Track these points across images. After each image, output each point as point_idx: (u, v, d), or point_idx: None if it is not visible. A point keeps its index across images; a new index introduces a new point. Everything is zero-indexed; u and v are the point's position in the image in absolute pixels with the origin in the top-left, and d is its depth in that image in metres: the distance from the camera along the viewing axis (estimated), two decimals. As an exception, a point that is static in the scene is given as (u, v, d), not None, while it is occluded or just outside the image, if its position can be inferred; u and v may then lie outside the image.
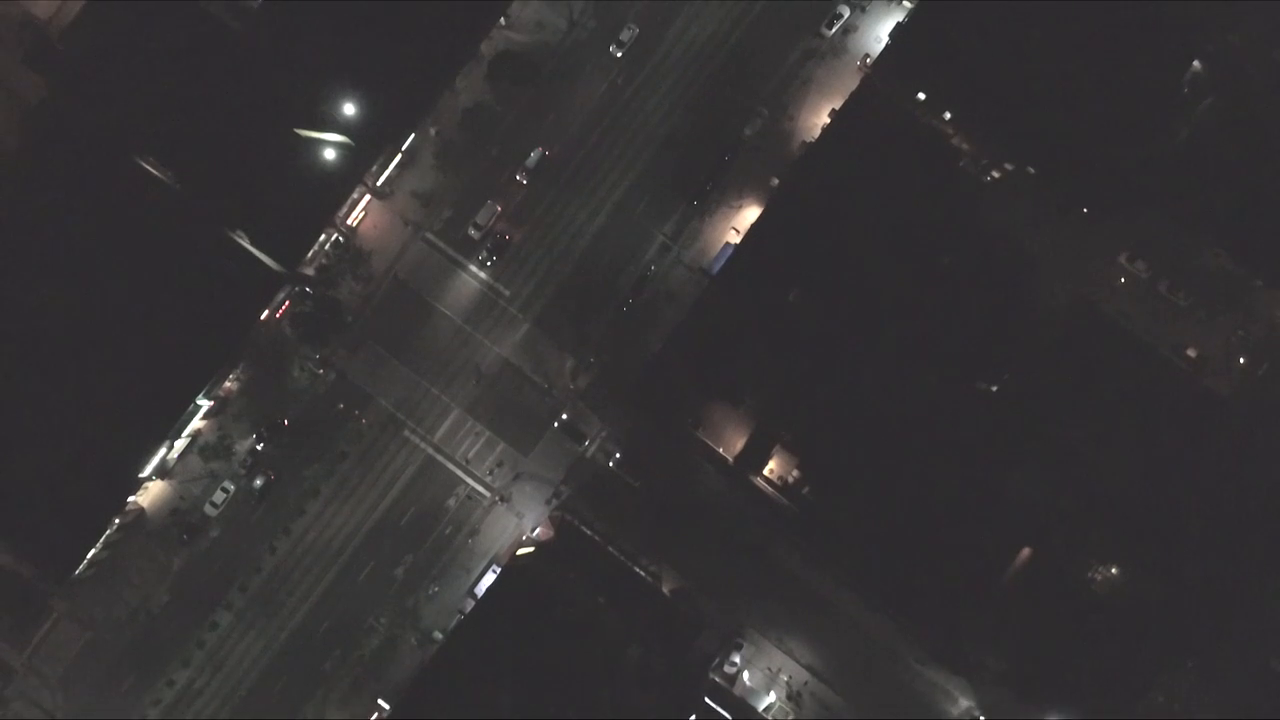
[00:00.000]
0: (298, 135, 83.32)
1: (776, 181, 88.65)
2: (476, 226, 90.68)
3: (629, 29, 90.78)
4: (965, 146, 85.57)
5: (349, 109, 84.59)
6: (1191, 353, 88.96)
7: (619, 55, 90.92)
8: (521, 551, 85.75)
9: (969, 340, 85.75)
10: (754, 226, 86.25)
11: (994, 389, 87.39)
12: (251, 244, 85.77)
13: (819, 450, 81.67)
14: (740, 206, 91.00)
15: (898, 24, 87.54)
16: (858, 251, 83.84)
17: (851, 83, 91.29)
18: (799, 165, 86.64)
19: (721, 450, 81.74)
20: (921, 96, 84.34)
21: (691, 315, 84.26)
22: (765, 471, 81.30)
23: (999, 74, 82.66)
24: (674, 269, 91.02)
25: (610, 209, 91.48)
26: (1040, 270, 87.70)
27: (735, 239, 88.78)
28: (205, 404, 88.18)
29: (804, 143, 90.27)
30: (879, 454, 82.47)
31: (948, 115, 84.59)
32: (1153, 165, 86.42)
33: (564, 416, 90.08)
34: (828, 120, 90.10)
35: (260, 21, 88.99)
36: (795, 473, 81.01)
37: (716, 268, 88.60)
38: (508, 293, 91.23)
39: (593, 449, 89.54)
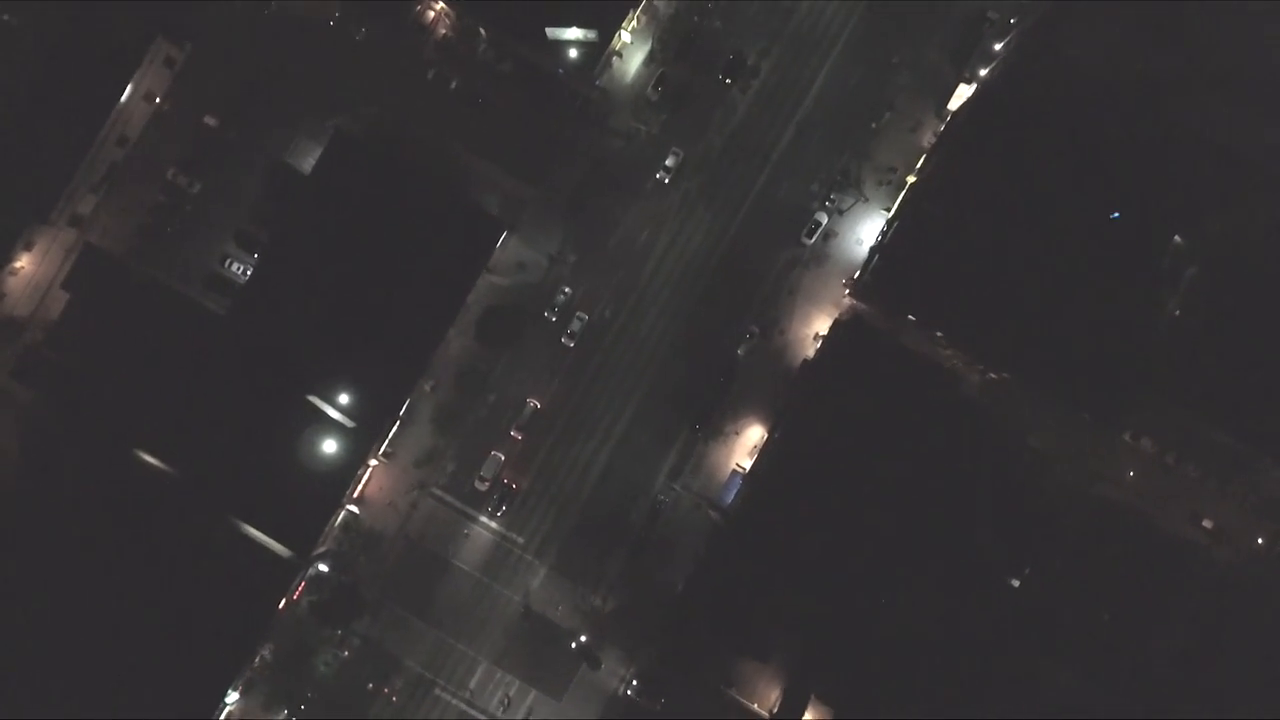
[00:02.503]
0: (308, 401, 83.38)
1: (774, 420, 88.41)
2: (482, 478, 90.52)
3: (579, 319, 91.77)
4: (960, 358, 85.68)
5: (344, 395, 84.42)
6: (1208, 524, 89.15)
7: (575, 334, 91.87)
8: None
9: (987, 542, 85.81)
10: (758, 461, 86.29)
11: (1016, 584, 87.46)
12: (260, 533, 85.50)
13: (853, 693, 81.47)
14: (743, 429, 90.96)
15: (878, 243, 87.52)
16: (865, 474, 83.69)
17: (838, 289, 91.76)
18: (795, 395, 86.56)
19: (756, 706, 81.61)
20: (911, 318, 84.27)
21: (706, 561, 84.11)
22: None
23: (981, 284, 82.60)
24: (684, 497, 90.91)
25: (613, 445, 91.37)
26: (1048, 463, 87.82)
27: (744, 465, 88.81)
28: (234, 695, 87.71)
29: (802, 360, 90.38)
30: (913, 679, 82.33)
31: (939, 334, 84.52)
32: (1146, 344, 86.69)
33: (582, 638, 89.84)
34: (820, 334, 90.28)
35: (244, 303, 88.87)
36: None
37: (727, 498, 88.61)
38: (521, 540, 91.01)
39: (622, 688, 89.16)
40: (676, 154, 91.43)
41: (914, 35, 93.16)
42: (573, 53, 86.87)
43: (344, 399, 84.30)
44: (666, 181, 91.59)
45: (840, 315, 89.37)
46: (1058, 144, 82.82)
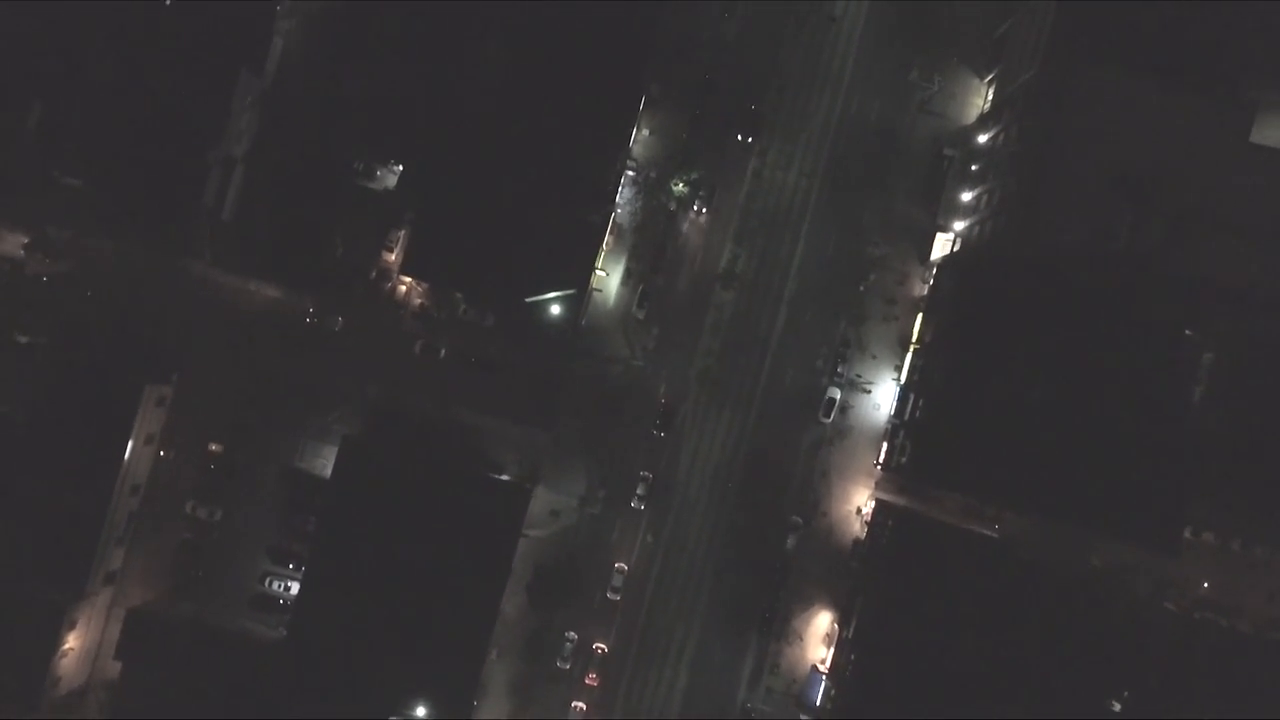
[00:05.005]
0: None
1: (842, 612, 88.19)
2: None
3: (618, 571, 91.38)
4: (1003, 513, 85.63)
5: (419, 704, 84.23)
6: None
7: (619, 588, 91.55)
8: None
9: (1080, 676, 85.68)
10: (836, 657, 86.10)
11: (1118, 708, 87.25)
12: None
13: None
14: (811, 619, 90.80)
15: (900, 419, 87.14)
16: (944, 646, 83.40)
17: (868, 459, 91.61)
18: (857, 587, 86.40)
19: None
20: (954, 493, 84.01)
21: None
22: None
23: (1013, 443, 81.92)
24: (771, 699, 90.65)
25: (688, 665, 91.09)
26: (1118, 578, 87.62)
27: (822, 658, 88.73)
28: None
29: (853, 540, 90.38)
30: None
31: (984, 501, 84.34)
32: (1182, 444, 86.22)
33: None
34: (861, 508, 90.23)
35: (298, 622, 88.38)
36: None
37: (813, 696, 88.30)
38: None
39: None
40: (646, 478, 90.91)
41: (877, 188, 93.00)
42: (554, 308, 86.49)
43: (420, 710, 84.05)
44: (642, 508, 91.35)
45: (880, 495, 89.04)
46: (1053, 298, 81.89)
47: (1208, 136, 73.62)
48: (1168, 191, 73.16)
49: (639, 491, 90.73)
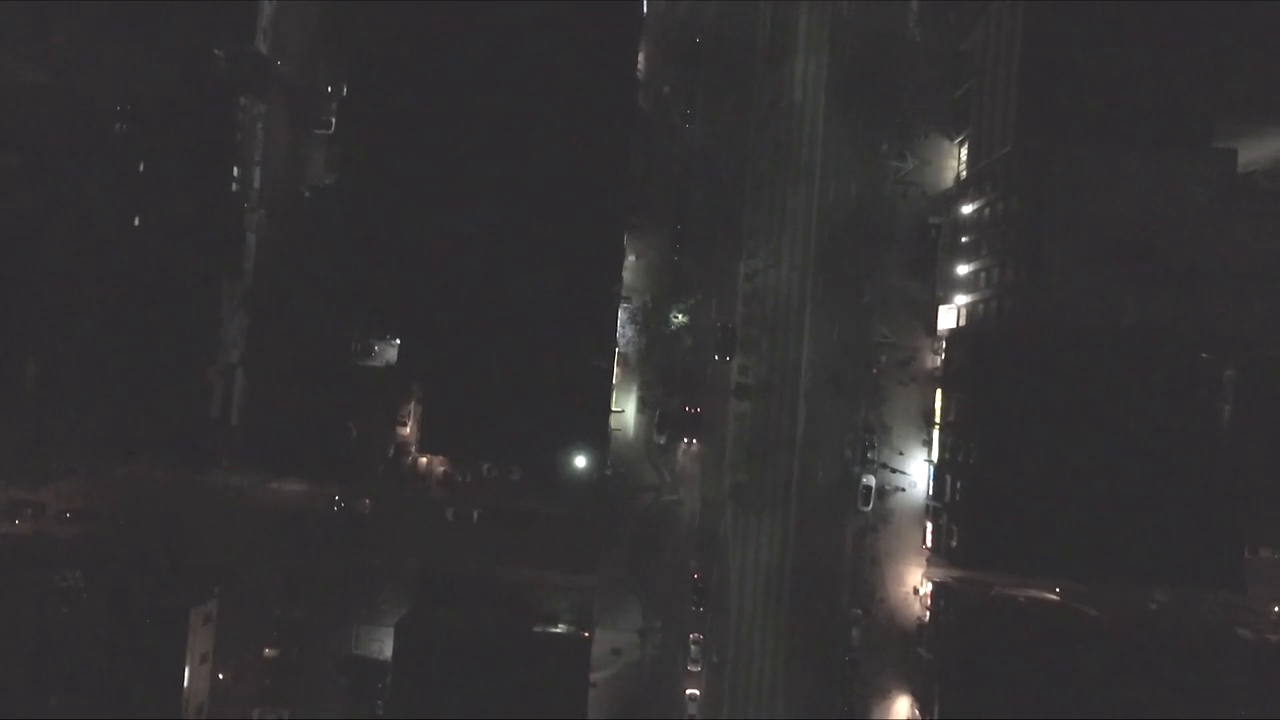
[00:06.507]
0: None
1: (921, 699, 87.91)
2: None
3: (690, 699, 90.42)
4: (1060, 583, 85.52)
5: None
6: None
7: (698, 668, 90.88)
8: None
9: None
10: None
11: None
12: None
13: None
14: (889, 709, 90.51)
15: (940, 501, 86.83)
16: (1028, 714, 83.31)
17: (915, 538, 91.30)
18: (931, 672, 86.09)
19: None
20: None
21: None
22: None
23: (1056, 512, 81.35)
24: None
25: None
26: (1182, 610, 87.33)
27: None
28: None
29: (917, 621, 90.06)
30: None
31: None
32: (1223, 469, 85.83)
33: None
34: (918, 588, 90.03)
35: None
36: None
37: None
38: None
39: None
40: (697, 641, 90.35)
41: (869, 268, 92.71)
42: (578, 457, 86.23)
43: None
44: (699, 669, 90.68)
45: (933, 575, 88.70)
46: (1068, 364, 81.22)
47: (1195, 190, 73.16)
48: (1167, 254, 72.77)
49: (692, 654, 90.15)
